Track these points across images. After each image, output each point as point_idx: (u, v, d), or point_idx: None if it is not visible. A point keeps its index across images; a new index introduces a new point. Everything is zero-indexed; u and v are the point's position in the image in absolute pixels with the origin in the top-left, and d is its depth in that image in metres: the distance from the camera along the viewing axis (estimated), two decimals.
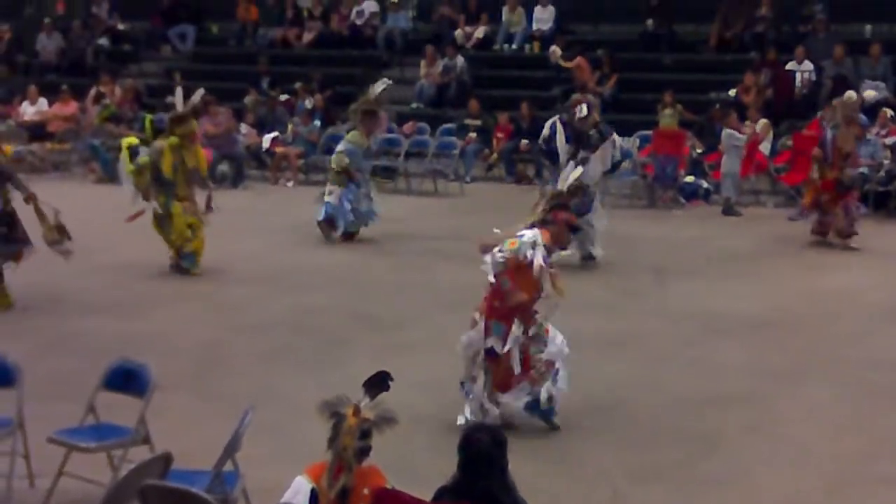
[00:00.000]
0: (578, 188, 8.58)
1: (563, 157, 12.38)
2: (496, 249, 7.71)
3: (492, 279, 7.76)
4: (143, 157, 12.51)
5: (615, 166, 13.27)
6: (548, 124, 13.17)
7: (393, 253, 13.97)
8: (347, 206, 14.33)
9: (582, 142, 12.70)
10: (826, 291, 11.93)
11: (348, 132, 14.91)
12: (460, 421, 7.75)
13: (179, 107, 12.61)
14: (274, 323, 10.85)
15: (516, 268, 7.66)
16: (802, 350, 9.92)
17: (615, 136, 13.18)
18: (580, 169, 9.01)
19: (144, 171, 12.41)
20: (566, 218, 7.99)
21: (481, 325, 7.87)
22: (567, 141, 12.71)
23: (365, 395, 4.89)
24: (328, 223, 14.41)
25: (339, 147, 14.71)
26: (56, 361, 9.34)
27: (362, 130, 14.63)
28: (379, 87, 15.16)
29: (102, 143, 19.96)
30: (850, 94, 12.93)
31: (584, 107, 12.70)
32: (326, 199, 14.38)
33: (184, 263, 12.52)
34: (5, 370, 6.99)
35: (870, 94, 12.84)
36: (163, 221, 12.47)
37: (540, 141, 13.33)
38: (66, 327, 10.55)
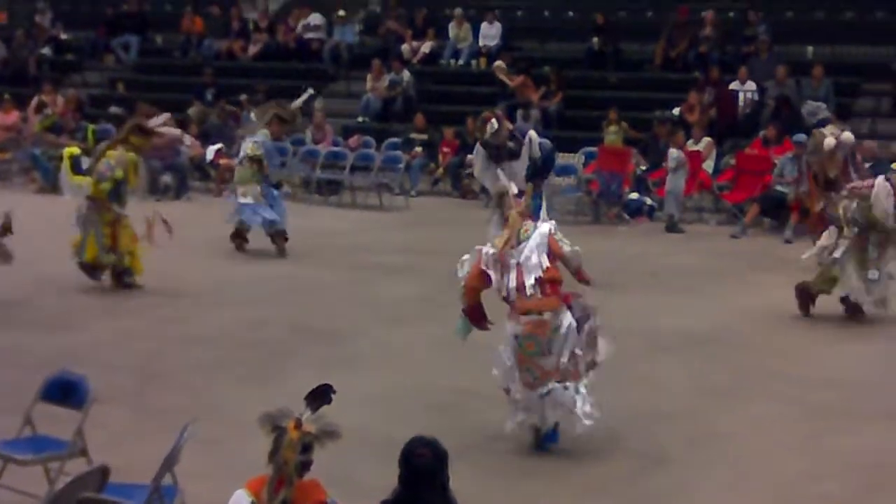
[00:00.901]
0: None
1: (488, 180, 12.31)
2: (566, 249, 8.04)
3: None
4: (119, 171, 12.21)
5: (543, 166, 13.07)
6: (474, 153, 12.97)
7: (337, 266, 13.90)
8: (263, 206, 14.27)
9: (503, 156, 12.66)
10: (768, 309, 11.98)
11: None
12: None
13: (155, 123, 12.55)
14: (215, 336, 10.75)
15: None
16: (745, 368, 9.97)
17: (531, 133, 13.10)
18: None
19: (109, 182, 12.14)
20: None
21: (566, 317, 7.78)
22: (492, 159, 12.59)
23: (307, 408, 4.84)
24: (239, 234, 14.37)
25: (256, 138, 14.49)
26: None
27: (269, 132, 14.52)
28: (301, 99, 15.12)
29: (43, 152, 19.74)
30: (829, 141, 12.66)
31: (494, 122, 12.65)
32: (243, 200, 14.24)
33: (127, 279, 12.36)
34: None
35: (847, 136, 12.58)
36: (95, 225, 12.20)
37: (474, 174, 13.15)
38: (4, 339, 10.38)
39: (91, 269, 12.40)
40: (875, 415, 8.75)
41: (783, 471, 7.64)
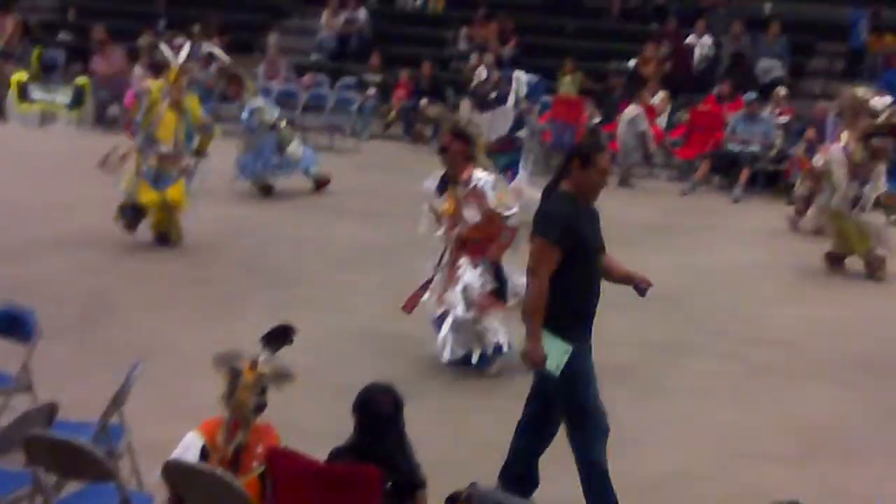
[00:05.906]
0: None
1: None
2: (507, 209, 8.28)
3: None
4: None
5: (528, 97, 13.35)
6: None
7: (289, 208, 13.82)
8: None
9: (484, 106, 12.81)
10: (713, 267, 12.06)
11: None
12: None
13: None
14: (166, 273, 10.67)
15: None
16: (688, 324, 10.02)
17: (517, 73, 13.24)
18: None
19: None
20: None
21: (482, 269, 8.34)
22: (478, 108, 12.90)
23: (264, 349, 4.81)
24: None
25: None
26: None
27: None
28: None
29: None
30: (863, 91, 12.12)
31: (482, 71, 12.83)
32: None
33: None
34: None
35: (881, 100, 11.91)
36: None
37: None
38: None
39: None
40: (818, 375, 8.86)
41: (726, 429, 7.73)
